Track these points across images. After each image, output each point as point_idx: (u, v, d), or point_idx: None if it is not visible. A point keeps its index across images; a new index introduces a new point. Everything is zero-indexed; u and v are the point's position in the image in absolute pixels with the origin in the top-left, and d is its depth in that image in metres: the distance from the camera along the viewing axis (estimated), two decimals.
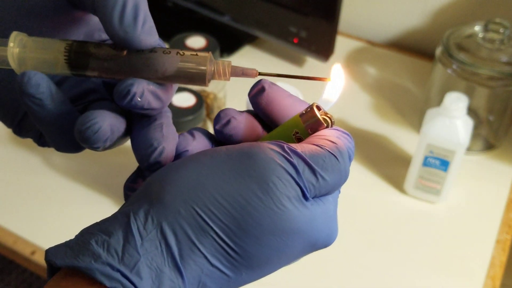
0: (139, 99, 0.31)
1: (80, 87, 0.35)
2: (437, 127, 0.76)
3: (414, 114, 0.97)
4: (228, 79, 0.33)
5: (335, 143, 0.31)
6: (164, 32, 1.12)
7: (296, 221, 0.28)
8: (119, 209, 0.29)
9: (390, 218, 0.81)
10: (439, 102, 0.80)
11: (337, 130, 0.32)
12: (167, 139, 0.32)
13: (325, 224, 0.30)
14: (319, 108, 0.32)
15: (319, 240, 0.30)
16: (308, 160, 0.29)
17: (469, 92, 0.84)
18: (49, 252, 0.28)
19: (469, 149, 0.89)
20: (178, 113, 0.76)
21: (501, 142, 0.92)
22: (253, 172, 0.28)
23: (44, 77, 0.32)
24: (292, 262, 0.30)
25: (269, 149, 0.29)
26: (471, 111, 0.87)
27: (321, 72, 1.06)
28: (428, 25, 1.10)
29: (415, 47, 1.14)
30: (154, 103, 0.32)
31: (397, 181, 0.85)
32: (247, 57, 1.10)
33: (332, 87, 0.34)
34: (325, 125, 0.32)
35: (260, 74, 0.33)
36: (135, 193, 0.30)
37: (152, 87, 0.32)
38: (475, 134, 0.88)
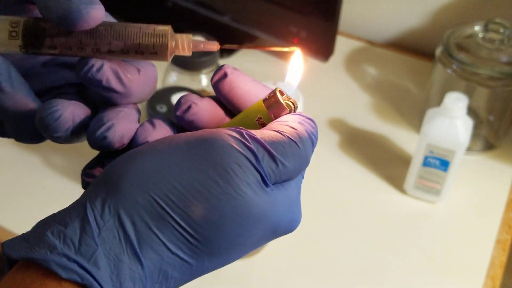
0: (94, 70, 0.31)
1: (45, 83, 0.35)
2: (437, 127, 0.76)
3: (414, 114, 0.97)
4: (190, 54, 0.33)
5: (295, 129, 0.30)
6: None
7: (256, 207, 0.28)
8: (77, 199, 0.29)
9: (390, 218, 0.81)
10: (439, 102, 0.80)
11: (300, 115, 0.32)
12: (120, 120, 0.32)
13: (287, 209, 0.30)
14: (282, 93, 0.32)
15: (281, 226, 0.30)
16: (267, 146, 0.29)
17: (469, 92, 0.84)
18: (5, 245, 0.27)
19: (469, 149, 0.89)
20: None
21: (501, 142, 0.92)
22: (212, 159, 0.28)
23: (3, 59, 0.31)
24: (255, 248, 0.30)
25: (228, 135, 0.29)
26: (471, 111, 0.87)
27: (321, 72, 1.06)
28: (428, 25, 1.10)
29: (415, 47, 1.14)
30: (114, 83, 0.31)
31: (397, 181, 0.85)
32: (247, 57, 1.10)
33: (293, 71, 0.34)
34: (288, 110, 0.32)
35: (221, 46, 0.33)
36: (93, 183, 0.29)
37: (113, 64, 0.31)
38: (475, 134, 0.88)
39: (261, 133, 0.30)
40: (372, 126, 0.95)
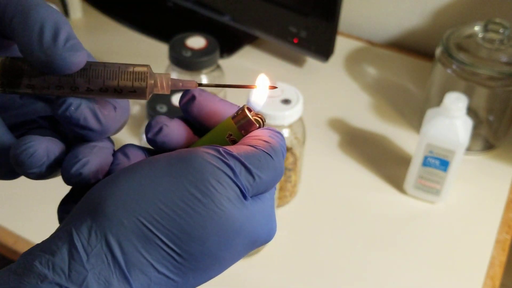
0: (72, 109, 0.31)
1: (18, 117, 0.35)
2: (437, 127, 0.76)
3: (414, 114, 0.98)
4: (168, 92, 0.33)
5: (268, 142, 0.32)
6: (164, 33, 1.12)
7: (237, 221, 0.29)
8: (59, 228, 0.29)
9: (389, 218, 0.81)
10: (439, 102, 0.81)
11: (269, 129, 0.33)
12: (95, 155, 0.32)
13: (264, 221, 0.31)
14: (250, 110, 0.33)
15: (260, 237, 0.31)
16: (244, 161, 0.30)
17: (468, 92, 0.84)
18: None
19: (469, 149, 0.89)
20: (178, 113, 0.76)
21: (501, 142, 0.93)
22: (192, 177, 0.29)
23: None
24: (236, 261, 0.31)
25: (206, 153, 0.30)
26: (471, 111, 0.87)
27: (321, 72, 1.06)
28: (428, 25, 1.11)
29: (415, 47, 1.14)
30: (92, 121, 0.31)
31: (396, 181, 0.85)
32: (247, 57, 1.10)
33: (259, 91, 0.36)
34: (257, 125, 0.33)
35: (199, 85, 0.34)
36: (75, 209, 0.30)
37: (91, 103, 0.31)
38: (475, 134, 0.88)
39: (237, 148, 0.31)
40: (372, 126, 0.95)
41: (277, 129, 0.33)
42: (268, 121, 0.70)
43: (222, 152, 0.30)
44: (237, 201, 0.29)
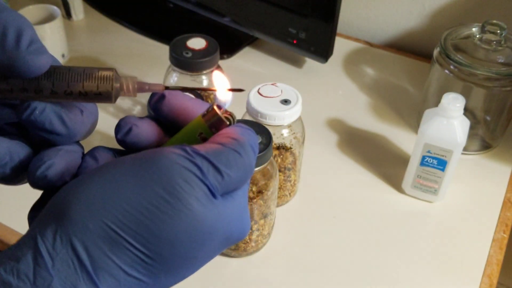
0: (37, 113, 0.30)
1: None
2: (434, 127, 0.77)
3: (412, 114, 0.98)
4: (135, 95, 0.33)
5: (237, 139, 0.31)
6: (165, 34, 1.13)
7: (207, 220, 0.29)
8: (25, 234, 0.29)
9: (387, 218, 0.81)
10: (436, 102, 0.81)
11: (239, 126, 0.33)
12: (61, 158, 0.31)
13: (237, 218, 0.31)
14: (220, 108, 0.33)
15: (233, 235, 0.31)
16: (211, 159, 0.30)
17: (466, 93, 0.85)
18: None
19: (466, 149, 0.90)
20: None
21: (498, 142, 0.93)
22: (158, 177, 0.28)
23: None
24: (210, 259, 0.31)
25: (172, 153, 0.29)
26: (468, 111, 0.88)
27: (320, 72, 1.07)
28: (426, 26, 1.11)
29: (413, 48, 1.15)
30: (57, 125, 0.31)
31: (394, 181, 0.86)
32: (247, 58, 1.11)
33: (223, 89, 0.36)
34: (228, 123, 0.33)
35: (166, 88, 0.34)
36: (40, 214, 0.29)
37: (56, 107, 0.31)
38: (472, 134, 0.89)
39: (205, 147, 0.30)
40: (370, 126, 0.96)
41: (249, 126, 0.33)
42: (268, 121, 0.71)
43: (189, 151, 0.29)
44: (206, 200, 0.29)
